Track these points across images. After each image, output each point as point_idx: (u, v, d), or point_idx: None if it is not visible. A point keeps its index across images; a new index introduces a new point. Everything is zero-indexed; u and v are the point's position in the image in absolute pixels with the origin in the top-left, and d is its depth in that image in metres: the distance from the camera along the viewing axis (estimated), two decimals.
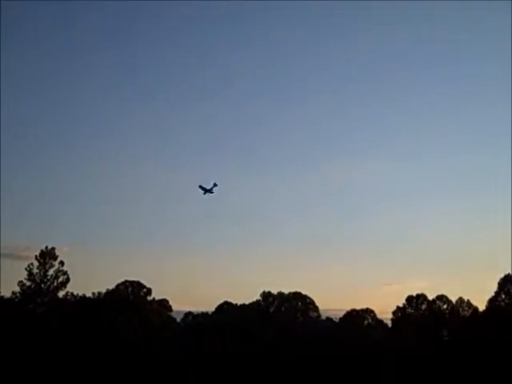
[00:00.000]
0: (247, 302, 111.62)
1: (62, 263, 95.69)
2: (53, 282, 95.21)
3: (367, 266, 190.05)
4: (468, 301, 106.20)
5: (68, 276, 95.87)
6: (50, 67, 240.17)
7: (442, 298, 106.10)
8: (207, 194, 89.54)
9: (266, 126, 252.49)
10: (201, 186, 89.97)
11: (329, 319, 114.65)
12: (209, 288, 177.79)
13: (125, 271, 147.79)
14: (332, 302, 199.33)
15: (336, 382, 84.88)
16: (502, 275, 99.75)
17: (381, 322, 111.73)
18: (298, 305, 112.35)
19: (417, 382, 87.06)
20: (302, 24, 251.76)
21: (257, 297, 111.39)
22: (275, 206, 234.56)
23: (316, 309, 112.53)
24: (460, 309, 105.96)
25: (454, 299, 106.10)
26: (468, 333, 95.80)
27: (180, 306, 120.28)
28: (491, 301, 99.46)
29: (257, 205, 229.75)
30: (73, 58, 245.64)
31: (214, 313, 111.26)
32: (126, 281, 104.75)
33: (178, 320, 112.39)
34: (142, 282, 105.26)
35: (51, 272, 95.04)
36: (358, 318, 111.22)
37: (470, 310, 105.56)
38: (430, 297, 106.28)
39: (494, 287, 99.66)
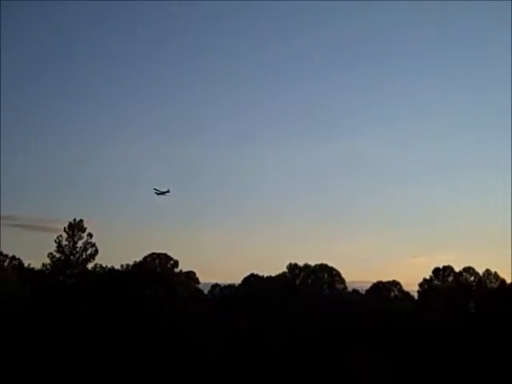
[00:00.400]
0: (273, 274, 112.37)
1: (90, 235, 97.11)
2: (82, 254, 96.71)
3: (394, 239, 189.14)
4: (495, 273, 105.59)
5: (96, 248, 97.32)
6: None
7: (468, 269, 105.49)
8: (161, 196, 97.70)
9: (291, 99, 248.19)
10: (155, 189, 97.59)
11: (355, 291, 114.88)
12: (235, 260, 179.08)
13: (152, 244, 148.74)
14: (358, 274, 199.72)
15: (362, 354, 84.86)
16: None
17: (407, 294, 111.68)
18: (324, 277, 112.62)
19: (443, 354, 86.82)
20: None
21: (283, 269, 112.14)
22: (301, 177, 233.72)
23: (342, 281, 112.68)
24: (487, 281, 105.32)
25: (481, 271, 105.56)
26: (495, 305, 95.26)
27: (207, 278, 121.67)
28: None
29: (282, 177, 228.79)
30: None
31: (240, 285, 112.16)
32: (153, 253, 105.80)
33: (206, 292, 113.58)
34: (169, 254, 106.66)
35: (80, 244, 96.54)
36: (385, 290, 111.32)
37: (498, 282, 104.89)
38: (457, 269, 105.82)
39: None
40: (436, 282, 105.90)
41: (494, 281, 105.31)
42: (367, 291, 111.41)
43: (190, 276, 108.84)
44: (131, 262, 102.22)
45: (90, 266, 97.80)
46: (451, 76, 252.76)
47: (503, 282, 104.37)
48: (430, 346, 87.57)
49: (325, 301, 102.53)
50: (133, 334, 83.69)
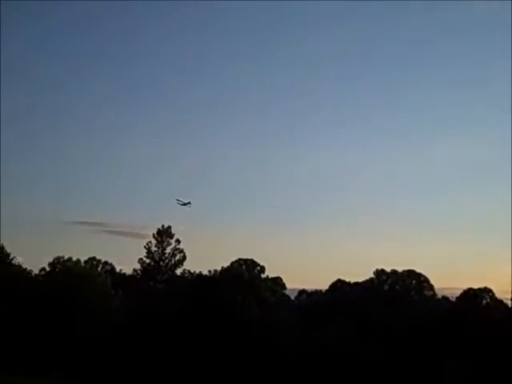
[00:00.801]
0: (360, 280, 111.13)
1: (178, 241, 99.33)
2: (170, 260, 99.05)
3: (483, 244, 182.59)
4: None
5: (184, 254, 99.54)
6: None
7: None
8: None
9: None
10: (177, 200, 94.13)
11: (445, 298, 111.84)
12: (322, 265, 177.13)
13: (238, 250, 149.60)
14: (448, 281, 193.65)
15: (455, 363, 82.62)
16: None
17: (500, 301, 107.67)
18: (412, 283, 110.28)
19: None
20: None
21: (370, 275, 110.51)
22: (393, 185, 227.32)
23: (431, 287, 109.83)
24: None
25: None
26: None
27: (294, 283, 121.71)
28: None
29: (371, 181, 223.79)
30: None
31: (327, 291, 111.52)
32: (240, 259, 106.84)
33: (292, 298, 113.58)
34: (256, 259, 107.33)
35: (168, 250, 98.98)
36: (476, 298, 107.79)
37: None
38: None
39: None
40: None
41: None
42: (457, 298, 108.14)
43: (277, 282, 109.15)
44: (219, 268, 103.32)
45: (178, 271, 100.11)
46: None
47: None
48: None
49: (414, 308, 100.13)
50: (221, 339, 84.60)
